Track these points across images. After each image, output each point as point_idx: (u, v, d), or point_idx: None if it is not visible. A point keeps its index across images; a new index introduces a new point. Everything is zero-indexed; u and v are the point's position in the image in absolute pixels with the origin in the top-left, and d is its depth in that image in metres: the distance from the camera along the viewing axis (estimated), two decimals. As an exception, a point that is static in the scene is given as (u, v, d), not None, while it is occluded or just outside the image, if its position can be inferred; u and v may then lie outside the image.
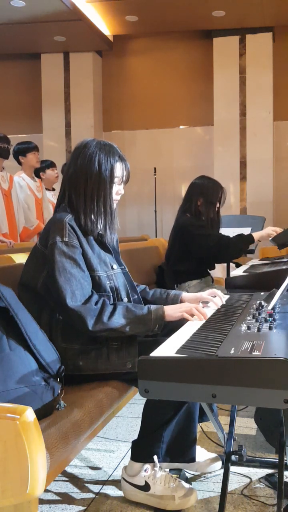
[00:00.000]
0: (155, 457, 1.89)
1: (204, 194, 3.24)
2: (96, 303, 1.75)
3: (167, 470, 1.95)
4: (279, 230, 3.27)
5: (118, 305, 1.78)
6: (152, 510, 1.87)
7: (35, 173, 5.30)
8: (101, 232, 1.92)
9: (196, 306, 1.85)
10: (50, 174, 5.45)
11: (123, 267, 2.03)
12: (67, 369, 1.73)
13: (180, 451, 1.95)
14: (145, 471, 1.89)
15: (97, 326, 1.71)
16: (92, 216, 1.86)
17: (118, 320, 1.74)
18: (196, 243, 3.17)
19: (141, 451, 1.92)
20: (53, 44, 7.70)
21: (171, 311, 1.82)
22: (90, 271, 1.82)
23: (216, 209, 3.27)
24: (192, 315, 1.81)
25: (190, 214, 3.26)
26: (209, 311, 1.90)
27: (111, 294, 1.86)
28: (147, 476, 1.88)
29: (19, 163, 4.95)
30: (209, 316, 1.82)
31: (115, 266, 1.95)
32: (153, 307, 1.81)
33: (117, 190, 1.93)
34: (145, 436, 1.92)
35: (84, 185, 1.86)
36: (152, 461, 1.89)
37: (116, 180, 1.90)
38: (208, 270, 3.42)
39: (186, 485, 1.89)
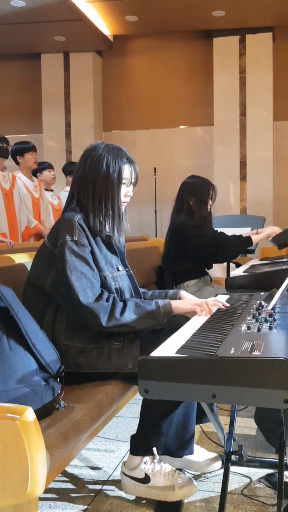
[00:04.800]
0: (154, 449, 1.90)
1: (195, 193, 3.26)
2: (107, 300, 1.78)
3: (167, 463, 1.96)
4: (278, 230, 3.27)
5: (127, 301, 1.82)
6: (152, 510, 1.87)
7: (32, 173, 5.31)
8: (108, 234, 1.93)
9: (207, 301, 1.89)
10: (47, 175, 5.54)
11: (128, 269, 2.05)
12: (68, 367, 1.74)
13: (179, 443, 1.97)
14: (144, 463, 1.89)
15: (110, 322, 1.75)
16: (101, 217, 1.88)
17: (129, 316, 1.78)
18: (194, 243, 3.19)
19: (140, 444, 1.93)
20: (53, 44, 7.70)
21: (180, 304, 1.88)
22: (97, 271, 1.85)
23: (209, 207, 3.28)
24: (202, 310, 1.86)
25: (184, 214, 3.27)
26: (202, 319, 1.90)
27: (115, 295, 1.88)
28: (146, 468, 1.88)
29: (17, 163, 4.95)
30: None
31: (120, 268, 1.98)
32: (160, 301, 1.85)
33: (126, 192, 1.95)
34: (144, 429, 1.93)
35: (92, 186, 1.89)
36: (152, 453, 1.90)
37: (124, 181, 1.92)
38: (206, 270, 3.43)
39: (186, 476, 1.90)
